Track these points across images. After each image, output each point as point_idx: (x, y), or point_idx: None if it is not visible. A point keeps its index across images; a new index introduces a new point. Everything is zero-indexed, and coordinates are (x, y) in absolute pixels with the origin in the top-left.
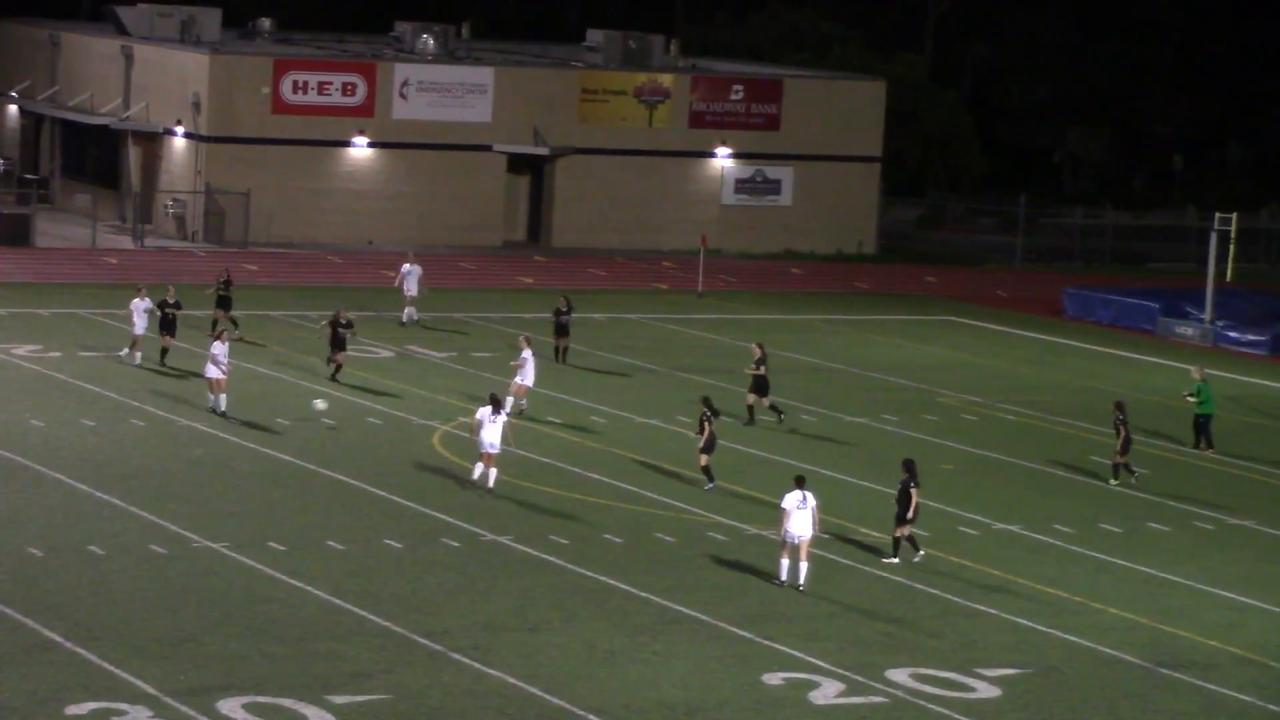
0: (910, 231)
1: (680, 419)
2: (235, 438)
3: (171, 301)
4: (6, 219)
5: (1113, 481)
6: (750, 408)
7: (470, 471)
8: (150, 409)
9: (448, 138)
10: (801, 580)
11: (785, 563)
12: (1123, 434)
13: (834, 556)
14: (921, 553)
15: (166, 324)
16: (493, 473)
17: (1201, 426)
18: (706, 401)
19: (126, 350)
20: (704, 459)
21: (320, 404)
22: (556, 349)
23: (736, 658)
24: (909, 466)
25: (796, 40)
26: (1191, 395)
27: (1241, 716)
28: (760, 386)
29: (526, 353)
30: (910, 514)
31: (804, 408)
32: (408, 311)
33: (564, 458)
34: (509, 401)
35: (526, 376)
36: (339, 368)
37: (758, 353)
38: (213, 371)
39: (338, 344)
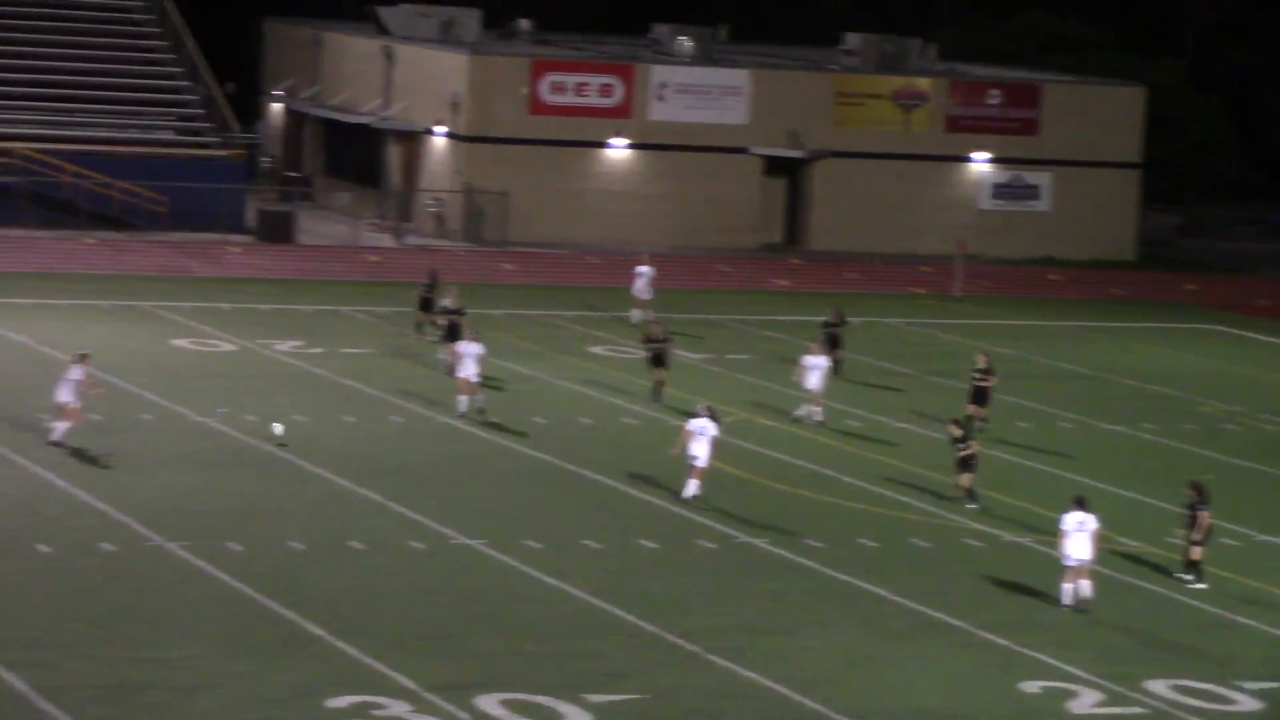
0: (1170, 239)
1: (934, 423)
2: (493, 436)
3: (454, 307)
4: (270, 216)
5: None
6: (969, 418)
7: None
8: (410, 406)
9: (704, 139)
10: (1085, 595)
11: (1067, 587)
12: None
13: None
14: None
15: (452, 332)
16: (693, 484)
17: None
18: (961, 422)
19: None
20: (966, 479)
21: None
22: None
23: (993, 665)
24: (1198, 488)
25: (1054, 44)
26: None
27: None
28: (980, 396)
29: (809, 359)
30: (1201, 536)
31: (1061, 414)
32: (635, 313)
33: (819, 461)
34: (806, 411)
35: (812, 381)
36: (660, 385)
37: (982, 361)
38: (467, 369)
39: (658, 361)
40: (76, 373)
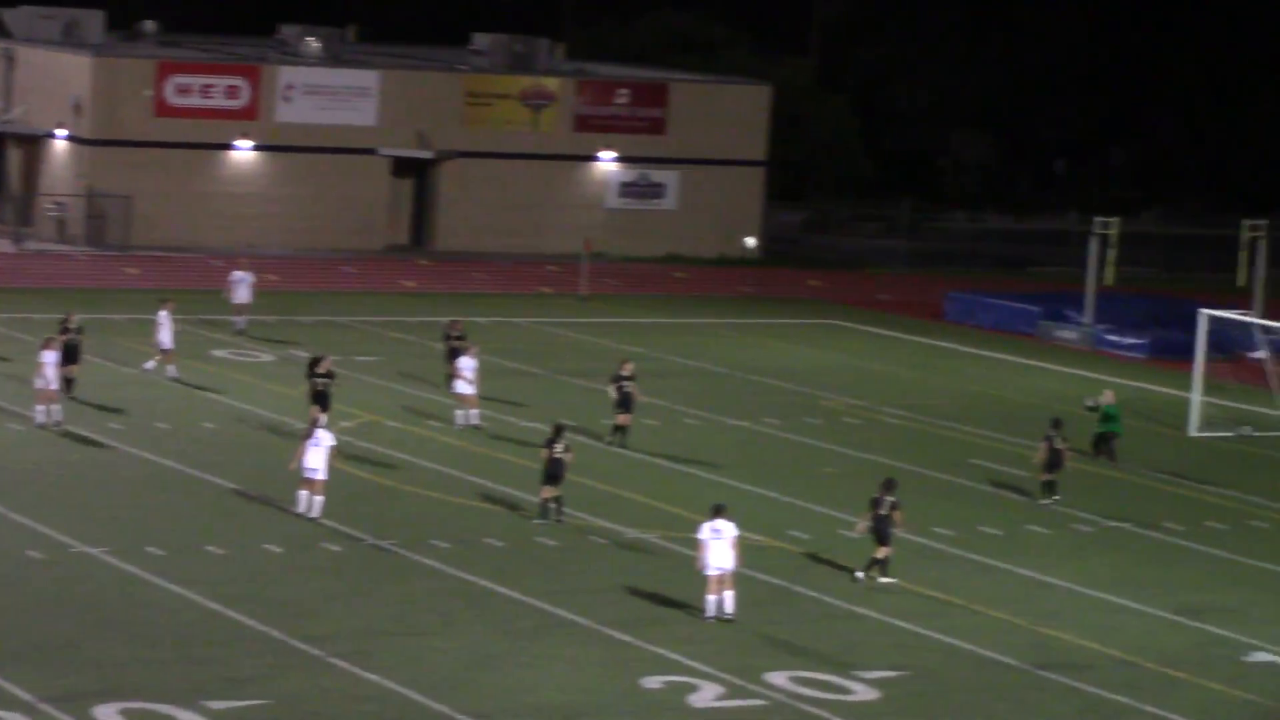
0: (795, 235)
1: (567, 421)
2: (115, 442)
3: (73, 327)
4: None
5: (1042, 500)
6: (619, 428)
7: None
8: (29, 414)
9: (332, 141)
10: (728, 610)
11: (711, 599)
12: (1053, 451)
13: None
14: (864, 576)
15: (70, 352)
16: (318, 501)
17: (1104, 441)
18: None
19: (153, 363)
20: (549, 490)
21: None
22: (449, 376)
23: (616, 661)
24: (889, 486)
25: (683, 44)
26: (1093, 408)
27: (1118, 717)
28: (626, 403)
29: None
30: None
31: (686, 411)
32: (238, 320)
33: (446, 462)
34: (461, 415)
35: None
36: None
37: (628, 369)
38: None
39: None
40: None
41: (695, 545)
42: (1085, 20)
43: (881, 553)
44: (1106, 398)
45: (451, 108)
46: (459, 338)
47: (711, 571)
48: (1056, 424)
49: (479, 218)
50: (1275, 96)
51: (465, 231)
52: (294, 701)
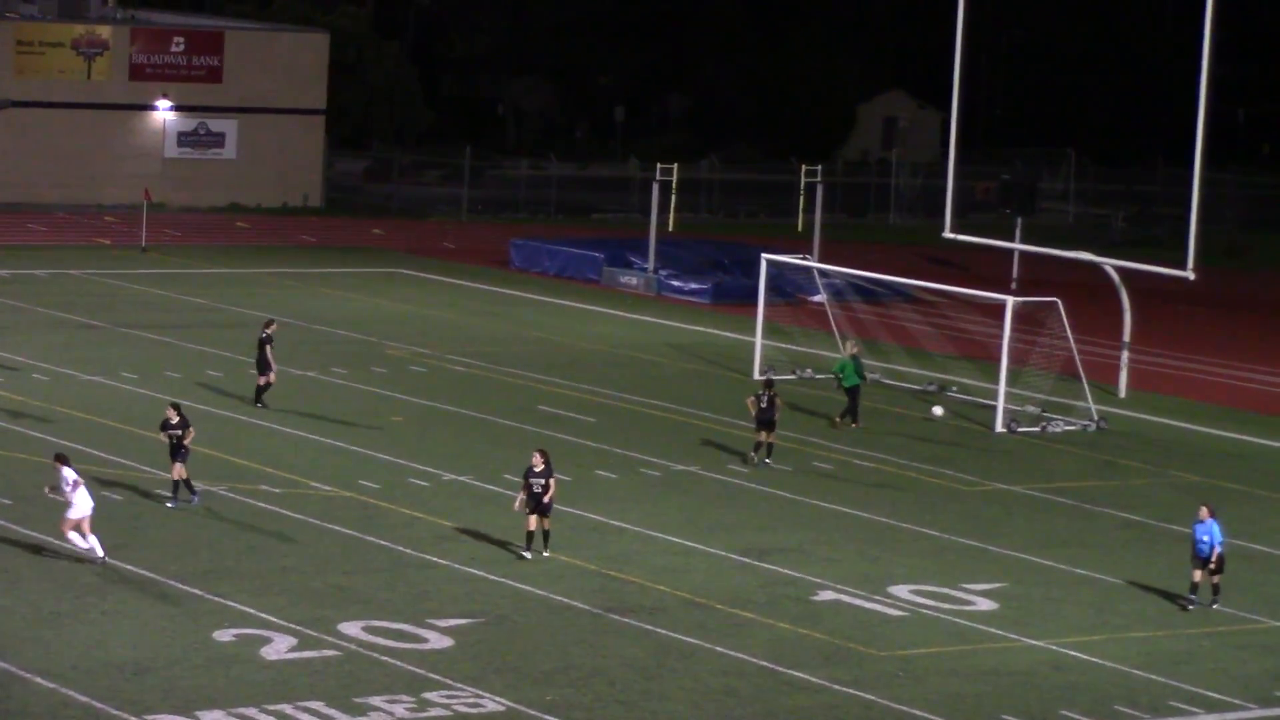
0: (357, 184)
1: (126, 375)
2: None
3: None
4: None
5: (754, 457)
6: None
7: None
8: None
9: None
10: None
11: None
12: (764, 410)
13: (284, 511)
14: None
15: None
16: None
17: (851, 398)
18: (177, 406)
19: None
20: (179, 470)
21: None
22: None
23: (186, 615)
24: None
25: None
26: (838, 373)
27: (690, 658)
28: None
29: None
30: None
31: (250, 361)
32: None
33: (5, 418)
34: None
35: None
36: None
37: (270, 329)
38: None
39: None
40: None
41: None
42: None
43: (764, 435)
44: (846, 350)
45: (2, 57)
46: None
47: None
48: (768, 384)
49: (34, 168)
50: (814, 45)
51: (20, 183)
52: None
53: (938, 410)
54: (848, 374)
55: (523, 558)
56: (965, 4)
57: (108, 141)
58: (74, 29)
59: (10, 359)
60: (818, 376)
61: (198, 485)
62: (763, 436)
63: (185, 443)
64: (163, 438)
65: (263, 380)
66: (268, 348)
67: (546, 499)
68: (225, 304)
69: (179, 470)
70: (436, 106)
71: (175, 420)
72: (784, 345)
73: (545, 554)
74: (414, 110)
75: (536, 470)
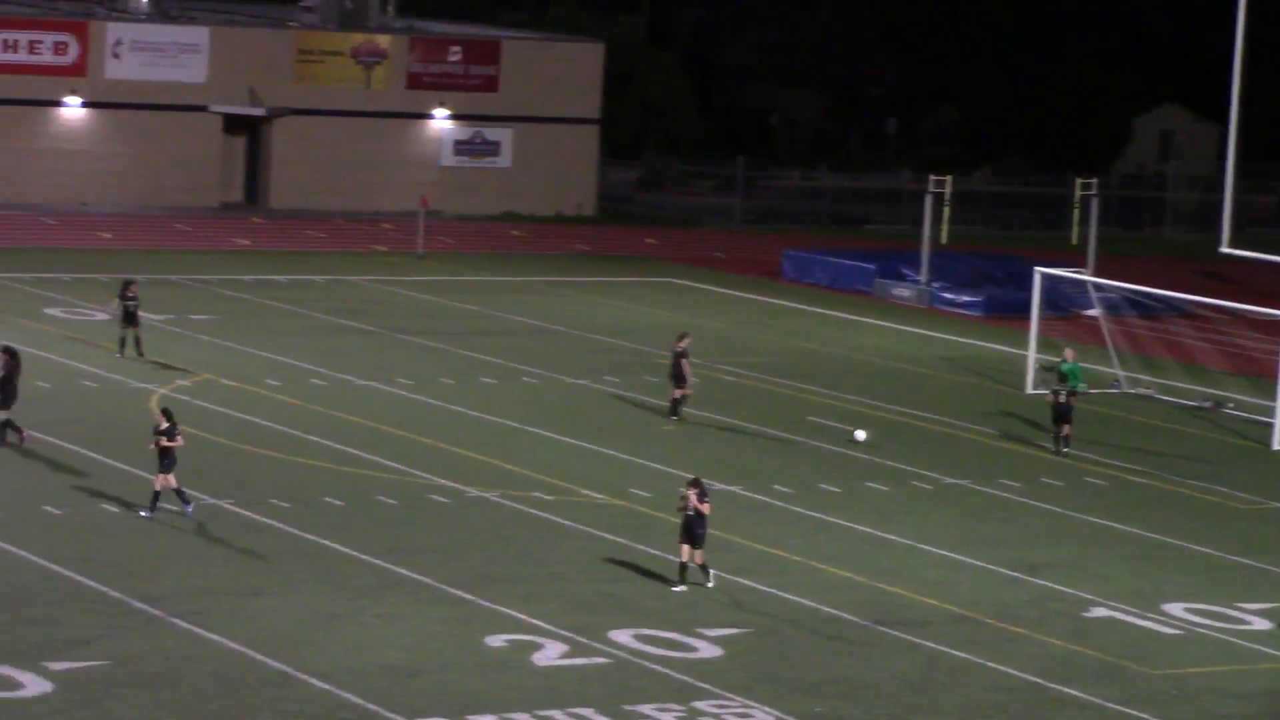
0: (629, 194)
1: (400, 380)
2: None
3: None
4: None
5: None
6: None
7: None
8: None
9: (162, 98)
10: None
11: None
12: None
13: (555, 519)
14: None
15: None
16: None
17: (1064, 412)
18: (167, 412)
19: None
20: (162, 480)
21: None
22: (123, 340)
23: (459, 620)
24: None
25: (514, 1)
26: (1049, 369)
27: (959, 672)
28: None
29: None
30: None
31: (524, 369)
32: None
33: (284, 421)
34: None
35: None
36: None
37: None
38: None
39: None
40: None
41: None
42: None
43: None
44: (1067, 356)
45: (283, 64)
46: (134, 299)
47: None
48: (1062, 378)
49: (313, 175)
50: (1088, 58)
51: (299, 189)
52: (133, 662)
53: (860, 434)
54: (1075, 377)
55: (675, 591)
56: (1245, 14)
57: (385, 149)
58: (354, 38)
59: (287, 363)
60: (1091, 391)
61: (474, 492)
62: (1066, 430)
63: (172, 449)
64: (151, 445)
65: (678, 393)
66: (684, 361)
67: (699, 530)
68: (498, 311)
69: (164, 480)
70: (709, 117)
71: (164, 426)
72: (1057, 359)
73: (709, 584)
74: (687, 120)
75: (688, 499)
